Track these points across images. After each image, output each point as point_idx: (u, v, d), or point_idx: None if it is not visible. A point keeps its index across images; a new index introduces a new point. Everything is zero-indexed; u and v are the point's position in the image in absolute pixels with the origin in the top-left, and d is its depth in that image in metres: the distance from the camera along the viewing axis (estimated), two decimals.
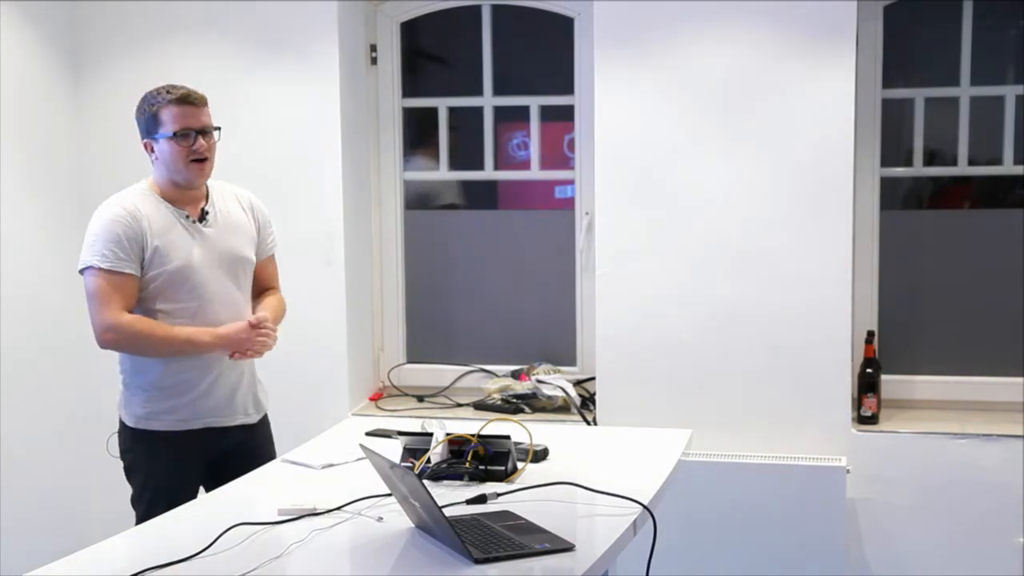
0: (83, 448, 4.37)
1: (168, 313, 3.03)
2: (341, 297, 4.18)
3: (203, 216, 3.10)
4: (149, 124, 3.04)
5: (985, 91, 4.04)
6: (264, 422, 3.29)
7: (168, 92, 3.03)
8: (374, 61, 4.38)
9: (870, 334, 4.01)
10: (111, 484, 4.38)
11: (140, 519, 3.01)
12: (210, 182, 3.15)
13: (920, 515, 3.86)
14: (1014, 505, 3.79)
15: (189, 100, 3.02)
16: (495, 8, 4.33)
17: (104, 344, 3.00)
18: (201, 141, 3.03)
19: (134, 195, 3.07)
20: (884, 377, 3.99)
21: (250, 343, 3.07)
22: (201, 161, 3.04)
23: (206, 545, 2.29)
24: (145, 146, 3.08)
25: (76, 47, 4.34)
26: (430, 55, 4.59)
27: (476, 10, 4.34)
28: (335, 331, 4.17)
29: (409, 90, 4.44)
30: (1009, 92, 4.02)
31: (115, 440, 3.17)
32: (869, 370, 3.97)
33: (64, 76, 4.32)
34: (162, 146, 3.03)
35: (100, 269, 2.96)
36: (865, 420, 3.95)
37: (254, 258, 3.21)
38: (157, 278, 3.01)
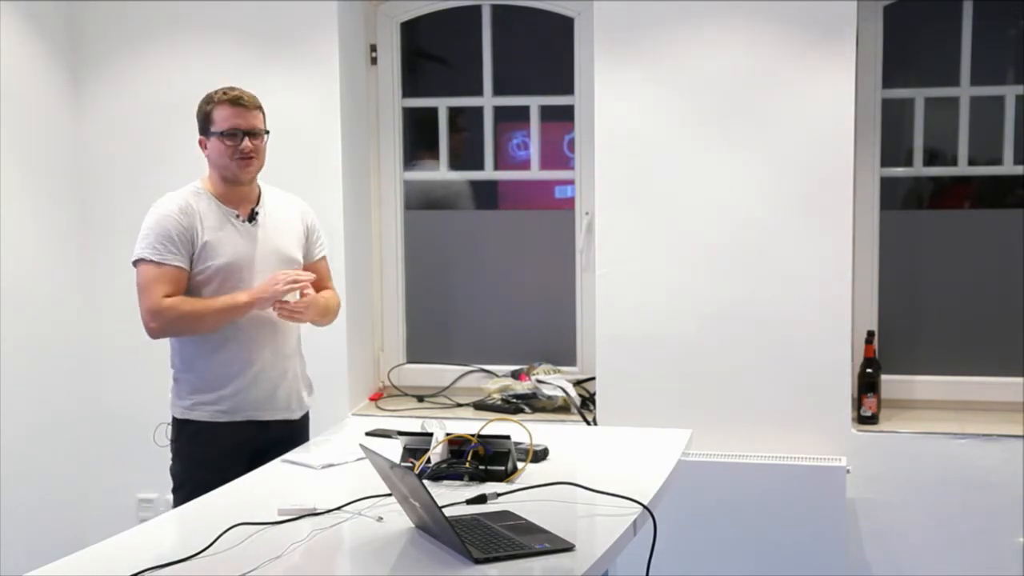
0: (83, 448, 4.38)
1: None
2: (341, 297, 4.17)
3: (252, 216, 3.21)
4: (203, 122, 3.17)
5: (985, 91, 4.04)
6: (305, 418, 3.36)
7: (224, 93, 3.17)
8: (374, 61, 4.38)
9: (870, 334, 4.01)
10: (111, 484, 4.41)
11: None
12: (263, 186, 3.27)
13: (920, 515, 3.86)
14: (1014, 505, 3.79)
15: (240, 102, 3.15)
16: (495, 8, 4.33)
17: (152, 333, 3.10)
18: (247, 142, 3.14)
19: (187, 192, 3.18)
20: (884, 377, 3.99)
21: (283, 288, 3.11)
22: (247, 159, 3.14)
23: (206, 545, 2.30)
24: (200, 143, 3.19)
25: (76, 47, 4.34)
26: (430, 55, 4.59)
27: (476, 10, 4.34)
28: (335, 331, 4.16)
29: (409, 90, 4.44)
30: (1009, 92, 4.02)
31: (163, 431, 3.26)
32: (869, 370, 3.97)
33: (64, 76, 4.32)
34: (212, 143, 3.16)
35: (150, 262, 3.07)
36: (865, 420, 3.95)
37: (301, 259, 3.30)
38: (204, 271, 3.11)
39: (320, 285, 3.36)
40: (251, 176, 3.20)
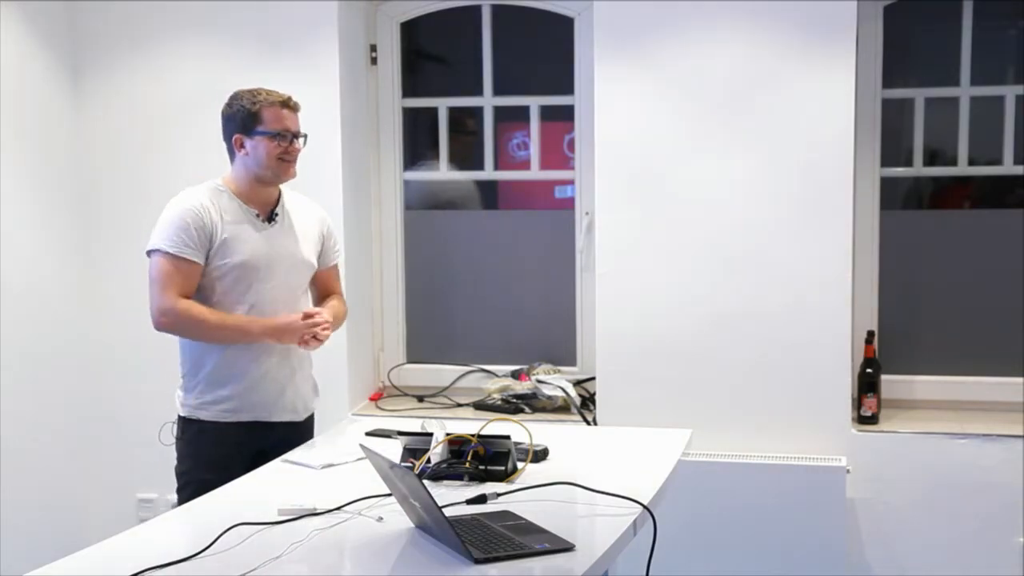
0: (83, 448, 4.38)
1: (226, 305, 3.13)
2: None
3: (272, 217, 3.21)
4: (247, 120, 3.13)
5: (985, 91, 4.04)
6: (310, 420, 3.37)
7: (269, 94, 3.16)
8: (374, 61, 4.38)
9: (870, 334, 4.01)
10: (111, 484, 4.41)
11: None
12: (284, 189, 3.27)
13: (920, 515, 3.86)
14: (1014, 505, 3.79)
15: (290, 105, 3.18)
16: (495, 8, 4.33)
17: (159, 327, 3.11)
18: (296, 145, 3.16)
19: (208, 189, 3.17)
20: (884, 377, 3.99)
21: (301, 334, 3.16)
22: (291, 162, 3.17)
23: (206, 545, 2.29)
24: (235, 141, 3.16)
25: (76, 47, 4.34)
26: (430, 55, 4.59)
27: (476, 10, 4.34)
28: (335, 331, 4.16)
29: (409, 90, 4.44)
30: (1009, 92, 4.02)
31: (168, 428, 3.26)
32: (869, 370, 3.97)
33: (64, 76, 4.31)
34: (257, 143, 3.13)
35: (166, 253, 3.06)
36: (865, 420, 3.95)
37: (316, 263, 3.32)
38: (220, 269, 3.11)
39: (328, 291, 3.40)
40: (292, 177, 3.21)
